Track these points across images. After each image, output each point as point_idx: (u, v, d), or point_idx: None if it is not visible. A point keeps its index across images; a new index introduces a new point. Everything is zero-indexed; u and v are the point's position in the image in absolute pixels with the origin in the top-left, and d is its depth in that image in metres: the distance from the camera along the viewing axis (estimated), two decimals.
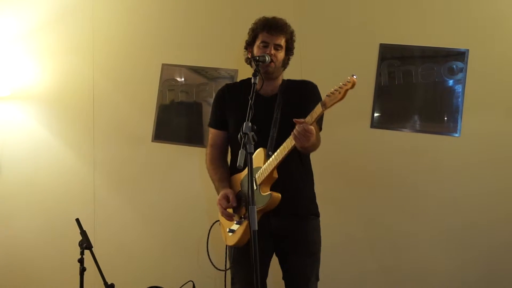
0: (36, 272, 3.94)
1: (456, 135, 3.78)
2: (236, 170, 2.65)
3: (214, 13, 4.03)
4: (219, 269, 2.73)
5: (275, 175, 2.52)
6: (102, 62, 4.03)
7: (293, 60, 2.81)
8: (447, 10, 3.86)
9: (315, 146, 2.56)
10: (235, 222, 2.61)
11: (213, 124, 2.82)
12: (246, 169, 2.51)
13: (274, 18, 2.68)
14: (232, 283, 2.73)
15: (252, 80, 2.43)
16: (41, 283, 3.93)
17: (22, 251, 3.95)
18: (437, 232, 3.76)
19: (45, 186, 3.98)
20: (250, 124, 2.19)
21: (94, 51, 4.03)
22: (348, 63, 3.88)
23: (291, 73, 2.88)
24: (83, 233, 2.96)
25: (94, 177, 3.98)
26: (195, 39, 4.00)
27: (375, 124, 3.84)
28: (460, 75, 3.79)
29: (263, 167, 2.53)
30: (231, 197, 2.59)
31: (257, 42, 2.67)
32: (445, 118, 3.83)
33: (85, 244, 2.92)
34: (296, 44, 2.78)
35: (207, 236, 2.75)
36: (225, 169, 2.78)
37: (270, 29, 2.64)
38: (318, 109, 2.38)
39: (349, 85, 2.28)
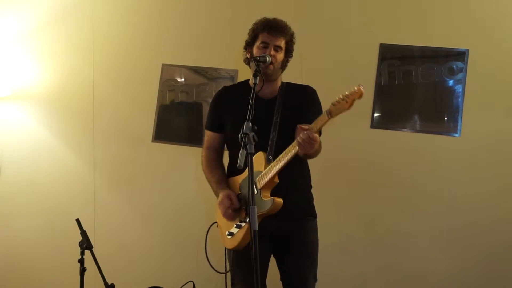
0: (36, 272, 3.94)
1: (456, 135, 3.78)
2: (233, 172, 2.67)
3: (214, 13, 4.03)
4: (219, 272, 2.73)
5: (276, 180, 2.52)
6: (102, 62, 4.03)
7: (293, 60, 2.81)
8: (447, 10, 3.86)
9: (317, 153, 2.56)
10: (234, 225, 2.60)
11: (209, 127, 2.81)
12: (245, 172, 2.53)
13: (275, 19, 2.66)
14: (232, 284, 2.73)
15: (253, 81, 2.43)
16: (41, 283, 3.93)
17: (22, 251, 3.95)
18: (437, 232, 3.76)
19: (45, 186, 3.98)
20: (250, 124, 2.19)
21: (94, 51, 4.03)
22: (348, 63, 3.88)
23: (291, 74, 2.88)
24: (83, 233, 2.96)
25: (94, 177, 3.98)
26: (195, 39, 4.00)
27: (375, 124, 3.84)
28: (460, 75, 3.79)
29: (264, 172, 2.53)
30: (233, 198, 2.59)
31: (257, 43, 2.66)
32: (445, 118, 3.83)
33: (85, 244, 2.92)
34: (296, 45, 2.78)
35: (205, 239, 2.75)
36: (222, 171, 2.77)
37: (270, 30, 2.63)
38: (323, 117, 2.38)
39: (357, 95, 2.30)
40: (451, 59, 3.81)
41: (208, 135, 2.81)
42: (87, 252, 2.92)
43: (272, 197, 2.50)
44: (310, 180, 2.77)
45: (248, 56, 2.71)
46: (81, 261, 2.90)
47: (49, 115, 4.01)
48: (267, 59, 2.54)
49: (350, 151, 3.82)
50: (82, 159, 4.00)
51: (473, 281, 3.70)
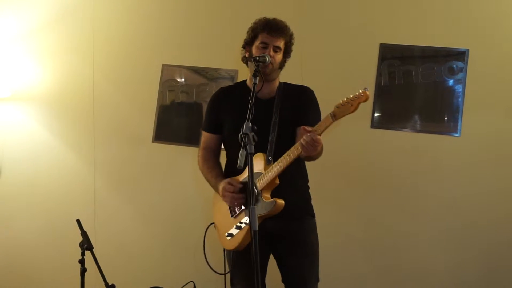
0: (37, 273, 3.94)
1: (457, 135, 3.78)
2: (232, 173, 2.66)
3: (214, 13, 4.03)
4: (218, 273, 2.73)
5: (277, 181, 2.52)
6: (103, 63, 4.03)
7: (293, 60, 2.81)
8: (447, 10, 3.86)
9: (319, 155, 2.56)
10: (234, 226, 2.59)
11: (206, 128, 2.80)
12: (244, 172, 2.52)
13: (275, 20, 2.66)
14: (232, 284, 2.73)
15: (253, 80, 2.42)
16: (42, 284, 3.93)
17: (23, 252, 3.96)
18: (437, 231, 3.76)
19: (46, 187, 3.98)
20: (250, 124, 2.19)
21: (94, 52, 4.04)
22: (348, 63, 3.88)
23: (291, 74, 2.88)
24: (83, 234, 2.96)
25: (95, 178, 3.99)
26: (195, 39, 4.00)
27: (376, 124, 3.84)
28: (460, 75, 3.79)
29: (264, 173, 2.52)
30: (233, 182, 2.58)
31: (257, 43, 2.65)
32: (446, 118, 3.83)
33: (86, 245, 2.92)
34: (296, 45, 2.77)
35: (203, 240, 2.74)
36: (220, 168, 2.77)
37: (270, 31, 2.62)
38: (327, 120, 2.37)
39: (362, 98, 2.29)
40: (451, 59, 3.81)
41: (204, 136, 2.81)
42: (87, 252, 2.92)
43: (273, 199, 2.50)
44: (307, 180, 2.77)
45: (247, 55, 2.71)
46: (82, 261, 2.90)
47: (49, 115, 4.01)
48: (267, 59, 2.54)
49: (350, 151, 3.82)
50: (83, 160, 4.00)
51: (473, 281, 3.70)
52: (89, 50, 4.04)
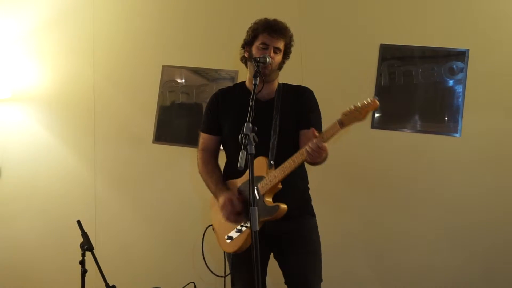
0: (38, 273, 3.94)
1: (457, 135, 3.78)
2: (231, 174, 2.66)
3: (214, 14, 4.04)
4: (218, 275, 2.72)
5: (280, 185, 2.52)
6: (103, 64, 4.04)
7: (293, 60, 2.81)
8: (447, 10, 3.86)
9: (324, 160, 2.55)
10: (235, 229, 2.59)
11: (205, 129, 2.79)
12: (244, 175, 2.53)
13: (276, 21, 2.65)
14: (233, 284, 2.73)
15: (253, 81, 2.42)
16: (42, 284, 3.93)
17: (24, 253, 3.96)
18: (437, 231, 3.76)
19: (46, 187, 3.99)
20: (250, 125, 2.18)
21: (94, 53, 4.04)
22: (348, 64, 3.88)
23: (291, 74, 2.88)
24: (84, 235, 2.97)
25: (95, 178, 3.99)
26: (196, 40, 4.01)
27: (376, 124, 3.84)
28: (460, 75, 3.79)
29: (267, 178, 2.51)
30: (235, 201, 2.57)
31: (257, 43, 2.64)
32: (446, 118, 3.83)
33: (86, 246, 2.92)
34: (297, 45, 2.77)
35: (201, 243, 2.74)
36: (220, 172, 2.76)
37: (271, 32, 2.61)
38: (335, 127, 2.36)
39: (371, 107, 2.29)
40: (451, 59, 3.81)
41: (203, 137, 2.80)
42: (88, 253, 2.92)
43: (276, 203, 2.49)
44: (307, 181, 2.77)
45: (246, 55, 2.70)
46: (82, 262, 2.90)
47: (50, 116, 4.02)
48: (267, 60, 2.53)
49: (351, 152, 3.82)
50: (83, 161, 4.00)
51: (473, 281, 3.70)
52: (89, 51, 4.04)
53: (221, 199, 2.60)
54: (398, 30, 3.89)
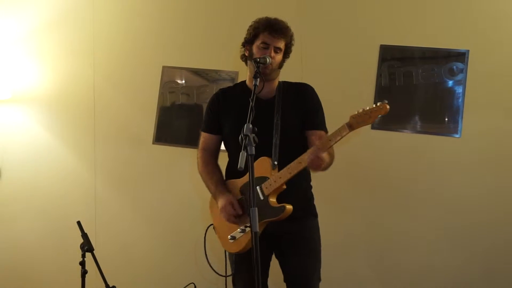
0: (38, 274, 3.95)
1: (457, 135, 3.78)
2: (233, 175, 2.66)
3: (214, 15, 4.04)
4: (220, 274, 2.72)
5: (284, 186, 2.52)
6: (103, 65, 4.04)
7: (294, 61, 2.81)
8: (447, 11, 3.86)
9: (329, 166, 2.55)
10: (238, 229, 2.59)
11: (206, 129, 2.79)
12: (246, 175, 2.52)
13: (276, 20, 2.64)
14: (234, 285, 2.73)
15: (254, 82, 2.42)
16: (42, 285, 3.94)
17: (24, 253, 3.96)
18: (437, 232, 3.76)
19: (46, 188, 3.99)
20: (251, 126, 2.18)
21: (95, 54, 4.04)
22: (348, 64, 3.88)
23: (291, 74, 2.88)
24: (84, 235, 2.96)
25: (95, 179, 3.99)
26: (196, 41, 4.01)
27: (376, 125, 3.84)
28: (460, 76, 3.79)
29: (272, 179, 2.51)
30: (235, 204, 2.57)
31: (257, 42, 2.63)
32: (446, 119, 3.83)
33: (87, 246, 2.92)
34: (297, 45, 2.77)
35: (203, 242, 2.74)
36: (220, 173, 2.76)
37: (272, 31, 2.60)
38: (343, 130, 2.37)
39: (382, 111, 2.30)
40: (451, 60, 3.81)
41: (204, 137, 2.80)
42: (88, 254, 2.92)
43: (282, 204, 2.49)
44: (310, 179, 2.77)
45: (246, 54, 2.70)
46: (82, 263, 2.90)
47: (50, 117, 4.02)
48: (267, 60, 2.53)
49: (351, 152, 3.80)
50: (83, 161, 4.00)
51: (473, 281, 3.70)
52: (89, 52, 4.04)
53: (221, 202, 2.60)
54: (398, 31, 3.89)
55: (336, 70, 3.88)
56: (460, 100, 3.78)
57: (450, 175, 3.76)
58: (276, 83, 2.72)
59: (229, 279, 2.73)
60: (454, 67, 3.80)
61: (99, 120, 4.01)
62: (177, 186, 3.96)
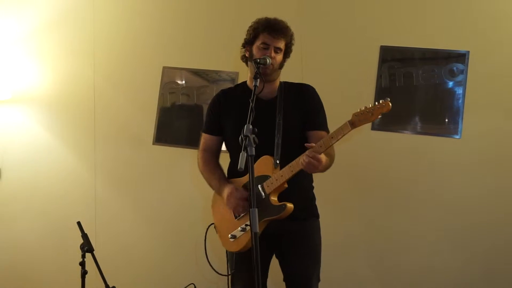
0: (38, 274, 3.94)
1: (457, 136, 3.78)
2: (235, 174, 2.66)
3: (214, 15, 4.04)
4: (221, 274, 2.72)
5: (286, 185, 2.52)
6: (103, 65, 4.04)
7: (294, 61, 2.81)
8: (447, 12, 3.86)
9: (328, 167, 2.56)
10: (239, 228, 2.59)
11: (207, 130, 2.79)
12: (247, 175, 2.52)
13: (276, 20, 2.65)
14: (232, 284, 2.73)
15: (254, 83, 2.42)
16: (42, 285, 3.94)
17: (24, 254, 3.96)
18: (437, 233, 3.76)
19: (47, 189, 3.99)
20: (251, 126, 2.19)
21: (95, 54, 4.04)
22: (349, 65, 3.88)
23: (291, 75, 2.88)
24: (84, 236, 2.96)
25: (95, 180, 3.99)
26: (196, 41, 4.01)
27: (376, 126, 3.84)
28: (460, 77, 3.79)
29: (273, 177, 2.52)
30: (240, 189, 2.57)
31: (257, 43, 2.63)
32: (446, 120, 3.83)
33: (87, 247, 2.92)
34: (297, 46, 2.78)
35: (204, 241, 2.74)
36: (221, 170, 2.77)
37: (272, 31, 2.61)
38: (345, 128, 2.37)
39: (384, 108, 2.30)
40: (451, 61, 3.81)
41: (205, 138, 2.80)
42: (88, 254, 2.92)
43: (283, 203, 2.50)
44: (312, 180, 2.77)
45: (247, 55, 2.70)
46: (82, 264, 2.90)
47: (50, 118, 4.02)
48: (268, 61, 2.53)
49: (351, 153, 3.80)
50: (83, 162, 4.00)
51: (473, 282, 3.70)
52: (90, 52, 4.04)
53: (226, 191, 2.61)
54: (399, 32, 3.89)
55: (336, 71, 3.88)
56: (460, 101, 3.78)
57: (450, 176, 3.76)
58: (277, 83, 2.72)
59: (230, 278, 2.73)
60: (455, 68, 3.80)
61: (99, 121, 4.01)
62: (177, 187, 3.96)
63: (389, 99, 2.30)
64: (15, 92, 3.97)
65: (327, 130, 2.66)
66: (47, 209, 3.97)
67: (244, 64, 2.77)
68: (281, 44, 2.63)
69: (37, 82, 4.03)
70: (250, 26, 2.69)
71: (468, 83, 3.76)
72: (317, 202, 2.76)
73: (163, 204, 3.95)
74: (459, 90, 3.79)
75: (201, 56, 4.01)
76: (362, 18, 3.93)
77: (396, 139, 3.83)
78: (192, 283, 3.60)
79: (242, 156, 2.13)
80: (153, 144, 4.00)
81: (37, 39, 4.06)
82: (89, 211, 3.94)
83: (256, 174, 2.44)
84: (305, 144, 2.43)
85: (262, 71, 2.53)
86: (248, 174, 2.46)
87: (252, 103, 2.31)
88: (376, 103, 2.31)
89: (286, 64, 2.74)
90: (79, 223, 3.02)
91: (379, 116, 2.33)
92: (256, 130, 2.19)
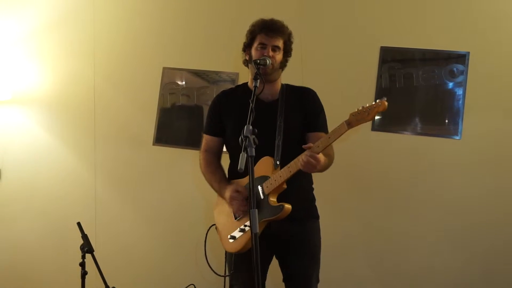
0: (38, 275, 3.94)
1: (457, 137, 3.78)
2: (235, 175, 2.66)
3: (214, 16, 4.04)
4: (219, 275, 2.73)
5: (285, 186, 2.53)
6: (103, 66, 4.04)
7: (294, 62, 2.81)
8: (447, 12, 3.86)
9: (327, 167, 2.56)
10: (238, 229, 2.59)
11: (208, 131, 2.80)
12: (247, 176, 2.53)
13: (271, 20, 2.66)
14: (231, 285, 2.73)
15: (254, 83, 2.43)
16: (42, 286, 3.93)
17: (24, 254, 3.96)
18: (437, 233, 3.76)
19: (47, 189, 3.99)
20: (251, 127, 2.19)
21: (95, 54, 4.04)
22: (349, 66, 3.88)
23: (292, 76, 2.88)
24: (84, 236, 2.97)
25: (95, 180, 3.99)
26: (196, 42, 4.01)
27: (376, 126, 3.84)
28: (460, 78, 3.80)
29: (272, 177, 2.52)
30: (240, 188, 2.58)
31: (255, 44, 2.65)
32: (446, 121, 3.83)
33: (87, 247, 2.92)
34: (297, 47, 2.78)
35: (204, 242, 2.74)
36: (223, 171, 2.77)
37: (267, 31, 2.62)
38: (342, 128, 2.37)
39: (380, 108, 2.30)
40: (451, 61, 3.81)
41: (206, 139, 2.80)
42: (88, 255, 2.92)
43: (281, 203, 2.50)
44: (312, 181, 2.77)
45: (247, 58, 2.71)
46: (82, 264, 2.90)
47: (50, 118, 4.02)
48: (267, 61, 2.54)
49: (351, 154, 3.81)
50: (83, 162, 4.00)
51: (474, 282, 3.70)
52: (90, 53, 4.04)
53: (227, 193, 2.61)
54: (399, 33, 3.89)
55: (336, 72, 3.88)
56: (460, 102, 3.78)
57: (450, 177, 3.76)
58: (278, 85, 2.73)
59: (228, 279, 2.73)
60: (455, 69, 3.80)
61: (100, 121, 4.01)
62: (177, 187, 3.96)
63: (385, 99, 2.30)
64: (15, 92, 3.97)
65: (326, 132, 2.67)
66: (47, 210, 3.97)
67: (242, 63, 2.77)
68: (279, 43, 2.64)
69: (37, 82, 4.03)
70: (248, 30, 2.71)
71: (468, 84, 3.77)
72: (316, 203, 2.76)
73: (163, 205, 3.95)
74: (459, 91, 3.79)
75: (201, 56, 4.01)
76: (362, 18, 3.93)
77: (396, 139, 3.83)
78: (192, 284, 3.60)
79: (242, 157, 2.13)
80: (153, 144, 4.00)
81: (37, 39, 4.06)
82: (89, 211, 3.94)
83: (256, 175, 2.45)
84: (303, 146, 2.44)
85: (262, 71, 2.53)
86: (248, 175, 2.48)
87: (252, 103, 2.31)
88: (373, 103, 2.32)
89: (288, 61, 2.74)
90: (79, 224, 3.02)
91: (376, 116, 2.33)
92: (256, 131, 2.19)
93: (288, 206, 2.49)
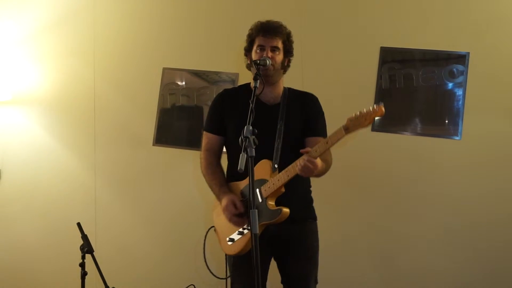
0: (38, 275, 3.94)
1: (457, 138, 3.78)
2: (234, 176, 2.66)
3: (214, 17, 4.04)
4: (219, 277, 2.73)
5: (283, 189, 2.52)
6: (103, 66, 4.04)
7: (294, 63, 2.81)
8: (447, 13, 3.86)
9: (324, 172, 2.57)
10: (236, 232, 2.59)
11: (209, 129, 2.78)
12: (247, 178, 2.52)
13: (268, 21, 2.66)
14: (232, 287, 2.73)
15: (253, 84, 2.43)
16: (42, 286, 3.93)
17: (24, 255, 3.96)
18: (437, 233, 3.76)
19: (47, 190, 3.99)
20: (251, 127, 2.19)
21: (95, 55, 4.04)
22: (349, 66, 3.88)
23: (292, 77, 2.88)
24: (84, 237, 2.97)
25: (95, 181, 3.99)
26: (196, 42, 4.01)
27: (376, 127, 3.84)
28: (460, 78, 3.80)
29: (270, 181, 2.52)
30: (237, 203, 2.57)
31: (254, 47, 2.65)
32: (446, 121, 3.83)
33: (86, 248, 2.92)
34: (296, 48, 2.77)
35: (203, 245, 2.74)
36: (222, 173, 2.77)
37: (265, 32, 2.62)
38: (339, 133, 2.38)
39: (377, 113, 2.30)
40: (451, 62, 3.81)
41: (207, 137, 2.78)
42: (88, 256, 2.92)
43: (279, 207, 2.50)
44: (310, 183, 2.77)
45: (249, 62, 2.71)
46: (82, 265, 2.90)
47: (50, 119, 4.02)
48: (267, 62, 2.54)
49: (351, 154, 3.81)
50: (83, 163, 4.00)
51: (474, 282, 3.70)
52: (90, 54, 4.04)
53: (224, 201, 2.60)
54: (399, 33, 3.89)
55: (336, 72, 3.88)
56: (460, 102, 3.78)
57: (450, 177, 3.76)
58: (280, 88, 2.73)
59: (229, 281, 2.73)
60: (455, 69, 3.80)
61: (100, 122, 4.01)
62: (177, 188, 3.95)
63: (382, 104, 2.30)
64: (15, 93, 3.97)
65: (325, 137, 2.66)
66: (47, 210, 3.97)
67: (244, 64, 2.77)
68: (277, 43, 2.64)
69: (37, 83, 4.03)
70: (247, 34, 2.71)
71: (468, 85, 3.77)
72: (317, 203, 2.76)
73: (163, 205, 3.95)
74: (459, 92, 3.79)
75: (201, 57, 4.01)
76: (362, 19, 3.93)
77: (396, 140, 3.83)
78: (192, 284, 3.60)
79: (242, 157, 2.13)
80: (153, 145, 4.00)
81: (38, 40, 4.05)
82: (89, 212, 3.93)
83: (254, 178, 2.44)
84: (301, 150, 2.44)
85: (263, 72, 2.53)
86: (246, 178, 2.48)
87: (252, 104, 2.30)
88: (370, 108, 2.32)
89: (291, 61, 2.74)
90: (79, 224, 3.02)
91: (373, 121, 2.33)
92: (256, 131, 2.19)
93: (286, 210, 2.49)
